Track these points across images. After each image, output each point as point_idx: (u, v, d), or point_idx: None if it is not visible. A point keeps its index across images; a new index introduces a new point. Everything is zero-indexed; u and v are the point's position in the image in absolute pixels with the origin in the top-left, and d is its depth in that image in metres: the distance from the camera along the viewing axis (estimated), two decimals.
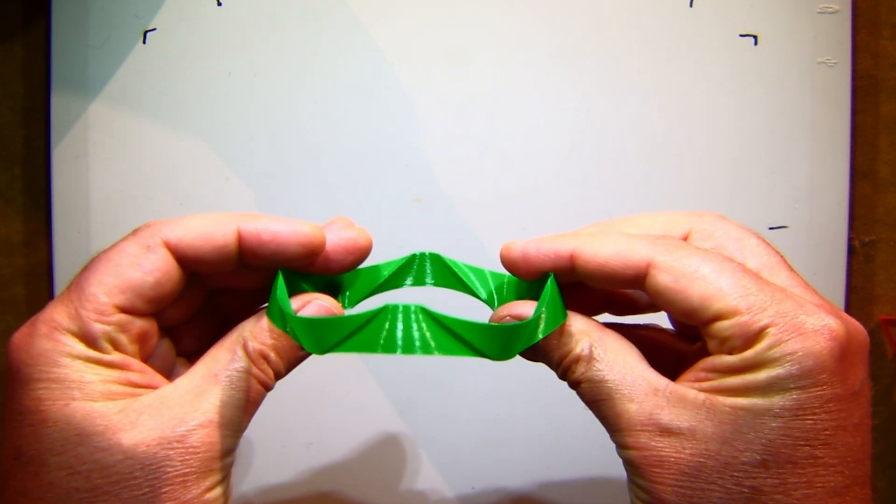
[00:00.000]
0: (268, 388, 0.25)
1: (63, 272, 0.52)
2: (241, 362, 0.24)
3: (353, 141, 0.52)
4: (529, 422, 0.52)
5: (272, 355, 0.25)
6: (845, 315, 0.24)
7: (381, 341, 0.22)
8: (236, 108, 0.51)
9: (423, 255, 0.28)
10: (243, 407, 0.24)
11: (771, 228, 0.52)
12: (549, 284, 0.25)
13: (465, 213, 0.52)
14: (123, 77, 0.51)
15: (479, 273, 0.28)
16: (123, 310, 0.23)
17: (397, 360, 0.52)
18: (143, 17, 0.51)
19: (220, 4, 0.51)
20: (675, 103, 0.52)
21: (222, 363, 0.24)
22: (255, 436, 0.52)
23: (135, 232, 0.24)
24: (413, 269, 0.28)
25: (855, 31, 0.52)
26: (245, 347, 0.24)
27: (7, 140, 0.53)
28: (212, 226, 0.24)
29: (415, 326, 0.23)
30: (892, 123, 0.53)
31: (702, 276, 0.22)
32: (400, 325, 0.22)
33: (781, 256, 0.26)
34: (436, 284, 0.28)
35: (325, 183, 0.52)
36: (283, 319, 0.22)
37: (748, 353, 0.22)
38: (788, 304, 0.22)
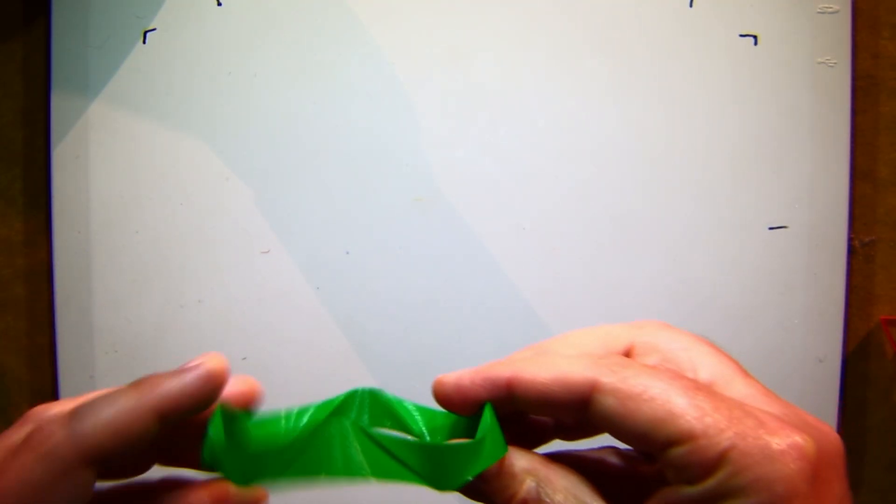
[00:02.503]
0: None
1: (63, 272, 0.52)
2: None
3: (352, 141, 0.52)
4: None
5: None
6: (813, 422, 0.22)
7: (327, 468, 0.21)
8: (236, 108, 0.51)
9: (361, 392, 0.25)
10: None
11: (771, 228, 0.52)
12: (487, 413, 0.24)
13: (465, 213, 0.52)
14: (123, 77, 0.51)
15: (423, 412, 0.26)
16: (96, 462, 0.19)
17: (397, 359, 0.52)
18: (143, 17, 0.51)
19: (220, 4, 0.51)
20: (675, 103, 0.52)
21: None
22: None
23: (32, 439, 0.19)
24: (350, 409, 0.25)
25: (855, 31, 0.52)
26: None
27: (7, 140, 0.53)
28: (121, 417, 0.19)
29: (352, 446, 0.21)
30: (892, 123, 0.53)
31: (650, 396, 0.20)
32: (338, 447, 0.21)
33: (734, 362, 0.24)
34: (371, 424, 0.25)
35: (325, 183, 0.52)
36: (213, 456, 0.21)
37: (709, 483, 0.19)
38: (749, 422, 0.20)
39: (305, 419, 0.23)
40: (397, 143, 0.52)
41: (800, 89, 0.51)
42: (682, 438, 0.20)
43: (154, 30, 0.51)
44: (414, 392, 0.56)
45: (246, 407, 0.23)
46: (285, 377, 0.52)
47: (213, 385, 0.22)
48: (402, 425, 0.25)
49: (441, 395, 0.25)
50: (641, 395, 0.21)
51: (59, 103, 0.51)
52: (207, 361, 0.22)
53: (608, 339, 0.25)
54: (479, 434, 0.23)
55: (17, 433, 0.20)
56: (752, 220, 0.52)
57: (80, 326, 0.53)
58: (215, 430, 0.21)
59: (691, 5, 0.51)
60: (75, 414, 0.19)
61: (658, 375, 0.21)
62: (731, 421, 0.20)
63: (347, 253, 0.52)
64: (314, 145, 0.52)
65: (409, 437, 0.23)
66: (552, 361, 0.23)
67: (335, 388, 0.57)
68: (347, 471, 0.21)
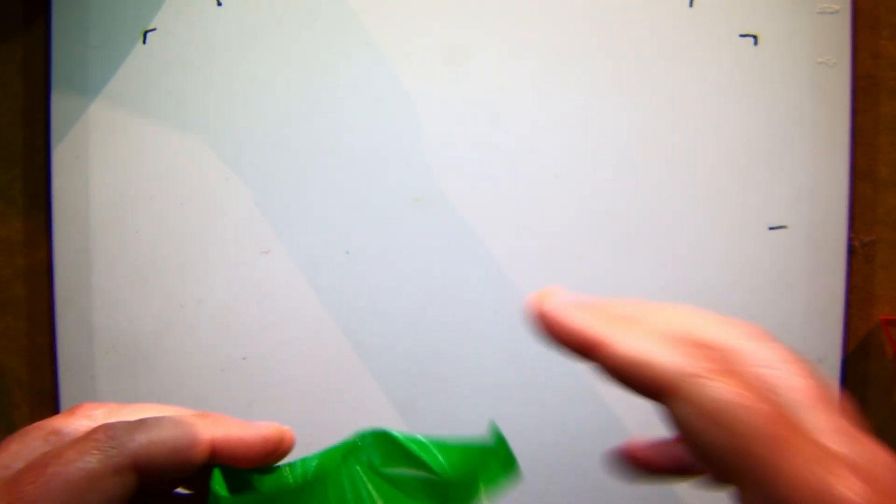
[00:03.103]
0: None
1: (63, 272, 0.52)
2: None
3: (352, 141, 0.52)
4: (529, 421, 0.52)
5: None
6: (884, 463, 0.20)
7: None
8: (236, 108, 0.51)
9: (366, 435, 0.24)
10: None
11: (771, 228, 0.52)
12: (497, 438, 0.24)
13: (465, 213, 0.52)
14: (123, 77, 0.51)
15: (439, 446, 0.25)
16: None
17: (397, 359, 0.52)
18: (143, 17, 0.51)
19: (220, 4, 0.51)
20: (675, 103, 0.52)
21: None
22: None
23: (94, 438, 0.20)
24: (359, 452, 0.25)
25: (855, 31, 0.52)
26: None
27: (7, 140, 0.53)
28: (183, 440, 0.21)
29: (363, 488, 0.22)
30: (892, 123, 0.53)
31: (726, 421, 0.19)
32: (348, 488, 0.22)
33: (821, 386, 0.22)
34: (383, 465, 0.24)
35: (325, 183, 0.52)
36: None
37: None
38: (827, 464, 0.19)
39: (313, 466, 0.23)
40: (397, 143, 0.52)
41: (800, 89, 0.51)
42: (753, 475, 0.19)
43: (154, 30, 0.51)
44: (414, 392, 0.57)
45: (268, 459, 0.24)
46: (285, 377, 0.52)
47: (272, 448, 0.23)
48: (418, 462, 0.24)
49: (537, 313, 0.26)
50: (720, 413, 0.20)
51: (59, 103, 0.51)
52: (281, 427, 0.23)
53: (704, 330, 0.24)
54: (490, 451, 0.23)
55: (68, 421, 0.22)
56: (752, 220, 0.52)
57: (80, 326, 0.53)
58: (219, 486, 0.21)
59: (691, 5, 0.51)
60: (141, 424, 0.21)
61: (743, 396, 0.20)
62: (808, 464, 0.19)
63: (347, 253, 0.52)
64: (314, 145, 0.52)
65: (422, 474, 0.23)
66: (642, 337, 0.22)
67: (335, 388, 0.57)
68: None
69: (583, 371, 0.52)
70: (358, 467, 0.22)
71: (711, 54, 0.51)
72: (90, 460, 0.19)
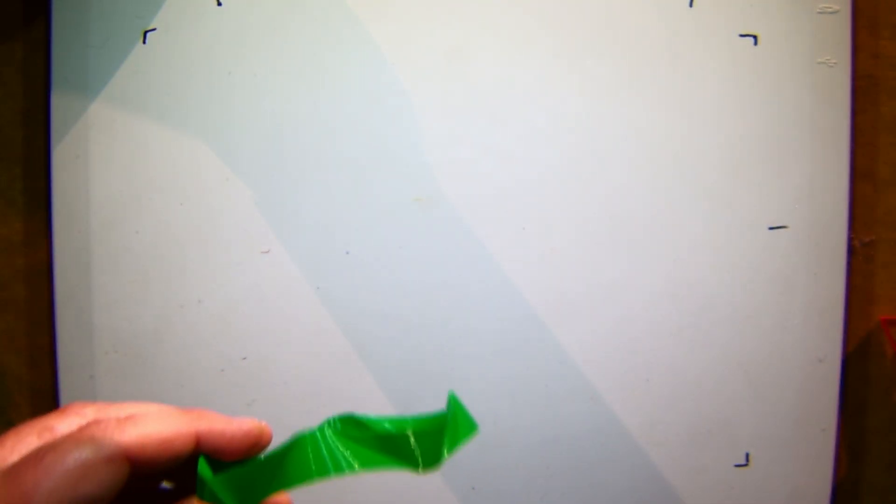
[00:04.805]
0: None
1: (63, 272, 0.52)
2: None
3: (352, 141, 0.52)
4: (529, 421, 0.52)
5: None
6: None
7: (314, 468, 0.23)
8: (236, 108, 0.51)
9: (332, 419, 0.26)
10: None
11: (771, 228, 0.52)
12: (451, 398, 0.25)
13: (465, 213, 0.52)
14: (123, 77, 0.51)
15: (392, 420, 0.26)
16: None
17: (397, 359, 0.52)
18: (143, 17, 0.51)
19: (220, 4, 0.51)
20: (675, 103, 0.52)
21: None
22: None
23: (88, 431, 0.22)
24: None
25: (855, 31, 0.52)
26: None
27: (7, 140, 0.53)
28: (171, 432, 0.23)
29: (335, 448, 0.24)
30: (892, 123, 0.53)
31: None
32: (323, 449, 0.24)
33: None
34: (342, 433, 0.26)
35: (325, 183, 0.52)
36: (212, 495, 0.23)
37: None
38: None
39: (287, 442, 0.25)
40: (397, 143, 0.52)
41: (800, 89, 0.51)
42: None
43: (154, 30, 0.51)
44: (413, 393, 0.57)
45: (249, 452, 0.25)
46: (285, 377, 0.52)
47: (252, 442, 0.24)
48: (370, 431, 0.26)
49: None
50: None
51: (59, 103, 0.51)
52: (260, 423, 0.25)
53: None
54: (448, 414, 0.24)
55: (60, 419, 0.23)
56: (752, 220, 0.52)
57: (80, 326, 0.53)
58: (204, 471, 0.23)
59: (691, 5, 0.51)
60: (131, 418, 0.22)
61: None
62: None
63: (347, 253, 0.52)
64: (314, 145, 0.52)
65: (385, 424, 0.25)
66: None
67: (335, 388, 0.57)
68: (337, 468, 0.23)
69: (583, 371, 0.52)
70: (329, 431, 0.24)
71: (711, 54, 0.51)
72: (85, 451, 0.21)
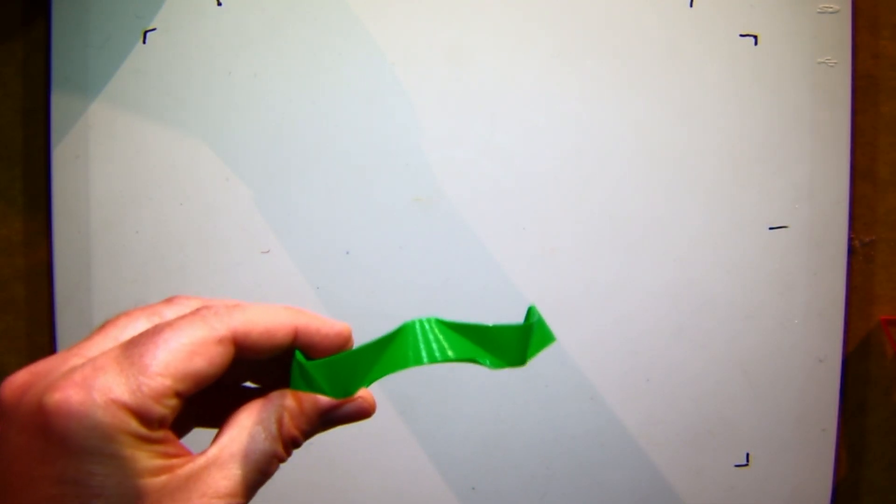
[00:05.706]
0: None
1: (63, 272, 0.52)
2: (271, 444, 0.25)
3: (352, 141, 0.52)
4: (529, 421, 0.52)
5: (301, 439, 0.26)
6: None
7: (411, 355, 0.25)
8: (236, 108, 0.51)
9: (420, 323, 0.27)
10: (261, 483, 0.25)
11: (771, 228, 0.52)
12: (532, 310, 0.27)
13: (465, 213, 0.52)
14: (123, 77, 0.51)
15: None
16: (180, 394, 0.23)
17: None
18: (143, 17, 0.51)
19: (220, 4, 0.51)
20: (675, 103, 0.52)
21: (254, 443, 0.24)
22: None
23: (200, 313, 0.23)
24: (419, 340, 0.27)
25: (855, 31, 0.52)
26: (280, 429, 0.25)
27: (7, 140, 0.53)
28: (274, 323, 0.24)
29: (432, 337, 0.25)
30: (892, 123, 0.53)
31: None
32: (420, 338, 0.25)
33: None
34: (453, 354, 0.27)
35: (325, 183, 0.52)
36: (308, 382, 0.24)
37: None
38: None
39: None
40: (397, 143, 0.52)
41: (800, 89, 0.51)
42: None
43: (154, 30, 0.51)
44: (414, 392, 0.57)
45: (338, 351, 0.27)
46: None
47: (343, 341, 0.26)
48: (468, 324, 0.28)
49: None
50: None
51: (59, 103, 0.51)
52: (349, 326, 0.27)
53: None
54: (533, 323, 0.27)
55: (167, 306, 0.25)
56: (752, 220, 0.52)
57: (80, 326, 0.53)
58: (301, 359, 0.24)
59: (691, 5, 0.51)
60: (238, 306, 0.24)
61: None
62: None
63: (347, 253, 0.52)
64: (314, 145, 0.52)
65: (483, 323, 0.26)
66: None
67: None
68: (431, 356, 0.25)
69: (583, 371, 0.52)
70: (432, 320, 0.26)
71: (711, 54, 0.51)
72: (198, 330, 0.22)
